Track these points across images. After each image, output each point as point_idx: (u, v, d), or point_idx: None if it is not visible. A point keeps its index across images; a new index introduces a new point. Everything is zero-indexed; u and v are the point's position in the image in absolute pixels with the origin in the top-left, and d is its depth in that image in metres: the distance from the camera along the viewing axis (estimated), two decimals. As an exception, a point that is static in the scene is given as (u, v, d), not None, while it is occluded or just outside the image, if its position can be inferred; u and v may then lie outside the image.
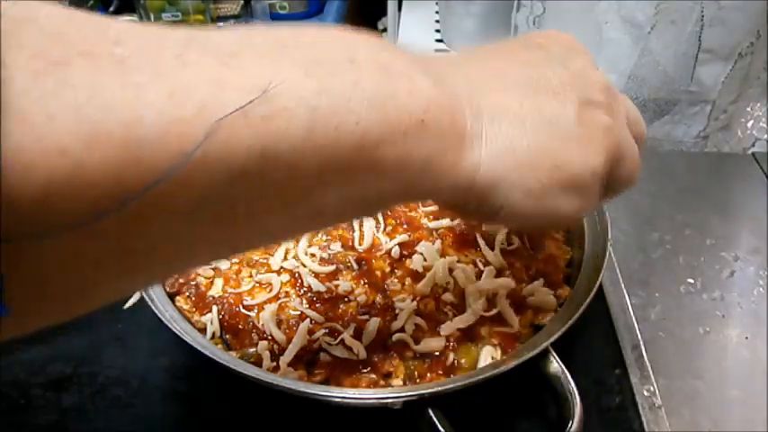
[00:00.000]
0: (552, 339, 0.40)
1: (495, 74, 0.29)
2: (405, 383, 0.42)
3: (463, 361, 0.43)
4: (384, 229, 0.51)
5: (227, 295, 0.46)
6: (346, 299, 0.46)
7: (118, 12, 1.12)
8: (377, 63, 0.23)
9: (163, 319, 0.41)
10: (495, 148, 0.27)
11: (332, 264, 0.48)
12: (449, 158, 0.26)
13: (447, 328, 0.44)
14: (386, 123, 0.22)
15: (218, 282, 0.47)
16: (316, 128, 0.20)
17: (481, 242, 0.50)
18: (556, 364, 0.40)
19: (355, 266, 0.48)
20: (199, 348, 0.39)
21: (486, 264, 0.49)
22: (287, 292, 0.47)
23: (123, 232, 0.18)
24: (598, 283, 0.44)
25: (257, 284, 0.47)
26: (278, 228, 0.24)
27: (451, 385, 0.38)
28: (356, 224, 0.51)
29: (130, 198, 0.17)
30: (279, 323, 0.45)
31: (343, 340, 0.43)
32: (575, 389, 0.38)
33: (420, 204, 0.54)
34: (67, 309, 0.20)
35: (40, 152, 0.15)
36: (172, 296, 0.47)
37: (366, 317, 0.45)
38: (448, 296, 0.46)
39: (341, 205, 0.24)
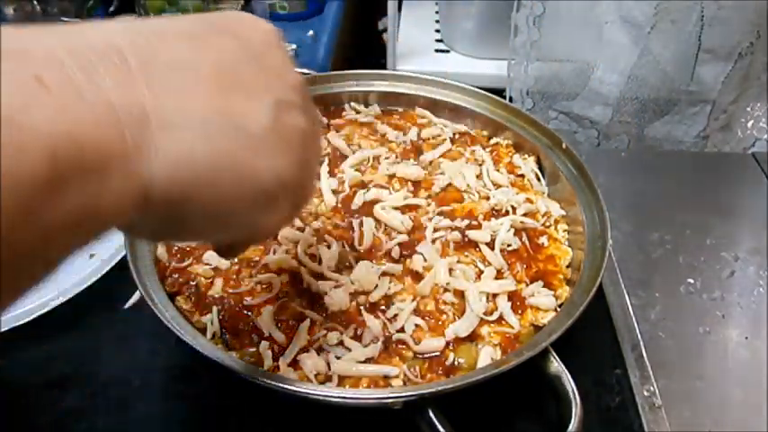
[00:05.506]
0: (552, 339, 0.40)
1: (182, 65, 0.25)
2: (405, 383, 0.42)
3: (463, 361, 0.43)
4: (384, 229, 0.51)
5: (226, 295, 0.46)
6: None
7: (118, 12, 1.12)
8: None
9: (163, 319, 0.41)
10: (170, 159, 0.23)
11: (332, 263, 0.48)
12: (106, 189, 0.22)
13: (449, 333, 0.44)
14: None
15: (218, 282, 0.47)
16: None
17: (481, 243, 0.50)
18: (556, 364, 0.40)
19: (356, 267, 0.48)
20: (199, 348, 0.39)
21: (487, 264, 0.49)
22: (287, 292, 0.47)
23: None
24: (598, 282, 0.44)
25: (257, 284, 0.47)
26: None
27: (451, 385, 0.38)
28: (356, 224, 0.51)
29: None
30: (279, 323, 0.45)
31: (342, 340, 0.43)
32: (575, 389, 0.38)
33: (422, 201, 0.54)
34: None
35: None
36: (172, 296, 0.47)
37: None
38: (448, 296, 0.46)
39: None
